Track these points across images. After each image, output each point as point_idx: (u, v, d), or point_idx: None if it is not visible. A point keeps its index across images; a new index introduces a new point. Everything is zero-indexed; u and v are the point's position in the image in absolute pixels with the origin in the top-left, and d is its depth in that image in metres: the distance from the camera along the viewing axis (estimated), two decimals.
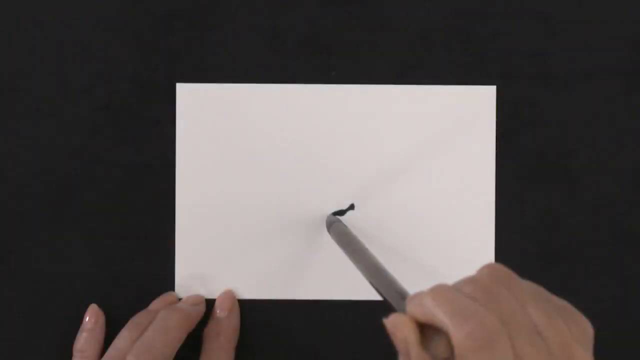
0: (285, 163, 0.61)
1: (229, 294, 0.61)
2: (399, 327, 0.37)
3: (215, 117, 0.61)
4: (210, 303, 0.61)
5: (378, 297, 0.61)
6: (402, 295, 0.41)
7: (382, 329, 0.62)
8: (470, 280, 0.38)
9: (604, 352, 0.62)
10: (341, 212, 0.61)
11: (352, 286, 0.61)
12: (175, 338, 0.57)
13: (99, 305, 0.61)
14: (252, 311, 0.61)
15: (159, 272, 0.61)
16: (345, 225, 0.58)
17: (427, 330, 0.37)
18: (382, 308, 0.61)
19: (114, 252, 0.61)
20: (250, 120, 0.61)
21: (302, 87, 0.61)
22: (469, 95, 0.61)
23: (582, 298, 0.62)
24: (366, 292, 0.61)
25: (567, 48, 0.62)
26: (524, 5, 0.62)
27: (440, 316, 0.36)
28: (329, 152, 0.61)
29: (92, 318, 0.60)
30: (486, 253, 0.61)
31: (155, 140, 0.61)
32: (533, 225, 0.62)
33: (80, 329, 0.60)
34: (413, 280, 0.61)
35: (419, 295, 0.38)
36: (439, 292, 0.37)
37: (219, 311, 0.61)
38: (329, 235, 0.61)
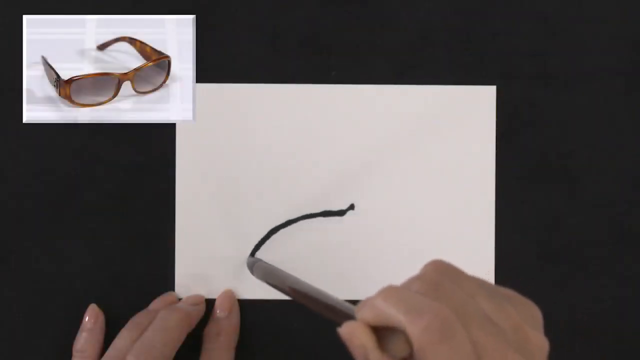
0: (285, 163, 0.61)
1: (229, 294, 0.61)
2: (354, 333, 0.38)
3: (215, 117, 0.61)
4: (210, 303, 0.61)
5: None
6: (349, 308, 0.41)
7: None
8: (417, 278, 0.39)
9: (605, 352, 0.62)
10: (340, 213, 0.61)
11: (351, 286, 0.61)
12: (175, 338, 0.57)
13: (99, 305, 0.61)
14: (252, 311, 0.61)
15: (159, 272, 0.61)
16: (267, 263, 0.58)
17: (381, 333, 0.37)
18: None
19: (114, 252, 0.61)
20: (250, 120, 0.61)
21: (302, 87, 0.61)
22: (469, 95, 0.61)
23: (582, 298, 0.62)
24: (366, 292, 0.61)
25: (567, 48, 0.62)
26: (524, 5, 0.62)
27: (394, 315, 0.36)
28: (328, 152, 0.61)
29: (92, 318, 0.60)
30: (486, 253, 0.61)
31: (155, 140, 0.61)
32: (533, 225, 0.62)
33: (80, 329, 0.60)
34: None
35: (369, 300, 0.38)
36: (389, 292, 0.38)
37: (219, 311, 0.61)
38: (328, 235, 0.61)
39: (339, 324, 0.39)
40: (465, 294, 0.38)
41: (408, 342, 0.36)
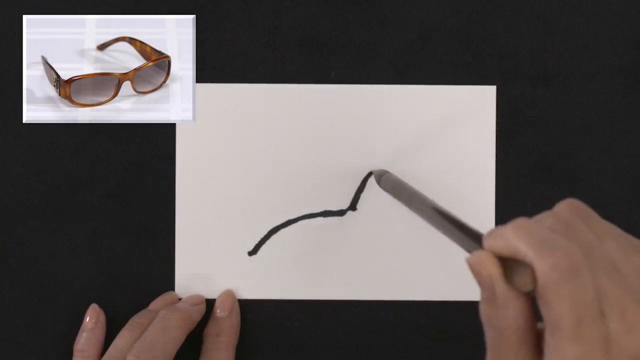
0: (285, 163, 0.61)
1: (229, 294, 0.61)
2: (483, 263, 0.37)
3: (215, 117, 0.61)
4: (210, 303, 0.61)
5: (379, 297, 0.61)
6: (473, 234, 0.40)
7: (381, 328, 0.62)
8: (550, 214, 0.38)
9: None
10: (340, 213, 0.61)
11: (352, 286, 0.61)
12: (176, 338, 0.57)
13: (99, 305, 0.61)
14: (252, 311, 0.61)
15: (159, 272, 0.61)
16: (395, 176, 0.58)
17: (505, 264, 0.37)
18: (383, 308, 0.61)
19: (114, 252, 0.61)
20: (250, 120, 0.61)
21: (302, 87, 0.61)
22: (469, 95, 0.61)
23: None
24: (366, 292, 0.62)
25: (567, 48, 0.62)
26: (524, 5, 0.62)
27: (523, 248, 0.36)
28: (328, 152, 0.61)
29: (93, 318, 0.60)
30: None
31: (155, 140, 0.61)
32: None
33: (81, 329, 0.60)
34: (413, 278, 0.62)
35: (499, 229, 0.38)
36: (521, 225, 0.37)
37: (219, 311, 0.61)
38: (328, 235, 0.61)
39: (464, 248, 0.39)
40: (595, 237, 0.37)
41: (533, 277, 0.36)
